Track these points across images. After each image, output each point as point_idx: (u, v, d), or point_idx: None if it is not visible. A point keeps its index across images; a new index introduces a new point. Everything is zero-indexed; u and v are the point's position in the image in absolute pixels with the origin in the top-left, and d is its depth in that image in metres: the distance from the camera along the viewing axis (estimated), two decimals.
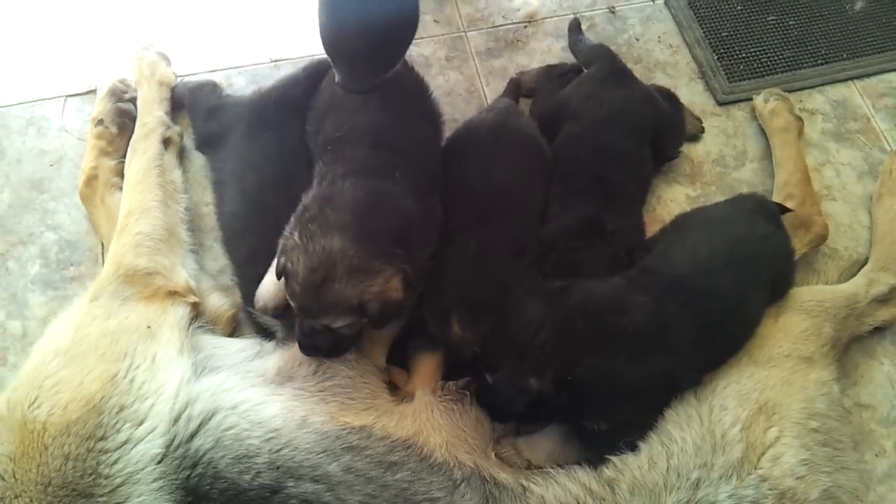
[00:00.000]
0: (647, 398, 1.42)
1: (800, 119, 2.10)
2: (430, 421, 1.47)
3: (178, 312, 1.54)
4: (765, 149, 2.10)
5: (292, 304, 1.42)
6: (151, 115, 1.89)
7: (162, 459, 1.31)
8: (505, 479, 1.39)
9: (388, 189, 1.50)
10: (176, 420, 1.35)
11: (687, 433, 1.41)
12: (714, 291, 1.47)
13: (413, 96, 1.74)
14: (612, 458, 1.41)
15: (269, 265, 1.56)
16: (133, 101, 1.97)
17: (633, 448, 1.42)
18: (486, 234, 1.55)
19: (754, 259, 1.55)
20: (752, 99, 2.17)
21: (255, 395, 1.42)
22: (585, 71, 2.02)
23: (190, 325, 1.55)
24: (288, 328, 1.57)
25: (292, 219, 1.49)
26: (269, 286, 1.52)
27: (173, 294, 1.58)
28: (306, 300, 1.39)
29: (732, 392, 1.47)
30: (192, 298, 1.60)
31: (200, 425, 1.34)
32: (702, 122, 2.10)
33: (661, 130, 1.87)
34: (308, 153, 1.71)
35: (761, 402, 1.44)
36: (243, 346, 1.58)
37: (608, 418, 1.40)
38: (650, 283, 1.48)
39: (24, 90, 2.09)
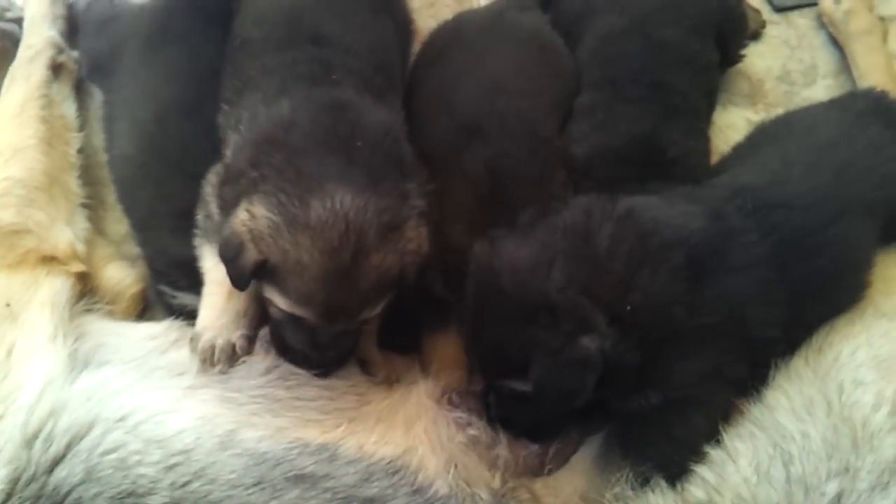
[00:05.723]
0: (709, 349, 1.03)
1: (882, 19, 1.73)
2: (430, 434, 1.05)
3: (55, 285, 1.18)
4: (839, 61, 1.74)
5: (304, 314, 0.97)
6: (39, 36, 1.57)
7: (5, 501, 0.91)
8: None
9: (344, 98, 1.10)
10: (31, 441, 0.95)
11: (809, 425, 1.04)
12: (792, 205, 1.13)
13: None
14: (700, 470, 1.01)
15: (174, 225, 1.17)
16: (18, 21, 1.64)
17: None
18: (489, 151, 1.18)
19: (855, 172, 1.21)
20: (815, 3, 1.80)
21: (159, 399, 1.01)
22: None
23: (73, 303, 1.17)
24: None
25: (216, 193, 1.07)
26: (221, 314, 1.07)
27: (50, 260, 1.23)
28: (338, 297, 0.96)
29: (865, 359, 1.10)
30: (78, 267, 1.25)
31: (68, 447, 0.94)
32: (761, 15, 1.75)
33: (726, 24, 1.52)
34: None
35: None
36: (153, 333, 1.18)
37: (665, 384, 1.02)
38: (703, 194, 1.16)
39: None
